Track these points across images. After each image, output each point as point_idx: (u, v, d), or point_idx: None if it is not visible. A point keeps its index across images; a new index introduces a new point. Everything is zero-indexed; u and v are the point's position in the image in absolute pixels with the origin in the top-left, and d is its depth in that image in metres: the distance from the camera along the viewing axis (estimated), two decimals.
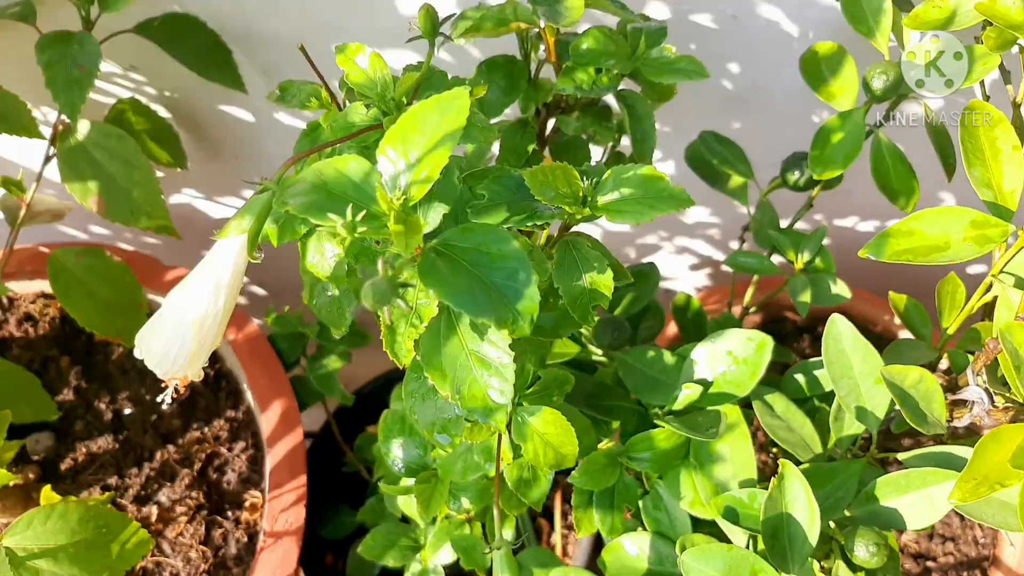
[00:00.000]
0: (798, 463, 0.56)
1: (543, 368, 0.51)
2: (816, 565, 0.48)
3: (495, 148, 0.57)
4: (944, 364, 0.60)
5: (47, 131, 0.65)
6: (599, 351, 0.63)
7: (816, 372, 0.59)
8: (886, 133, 0.60)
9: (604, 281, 0.43)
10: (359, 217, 0.30)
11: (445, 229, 0.36)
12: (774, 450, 0.68)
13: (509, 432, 0.46)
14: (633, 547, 0.55)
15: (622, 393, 0.59)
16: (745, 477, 0.56)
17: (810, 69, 0.59)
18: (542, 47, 0.54)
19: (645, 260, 0.97)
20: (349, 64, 0.39)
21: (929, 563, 0.72)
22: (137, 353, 0.39)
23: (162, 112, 0.72)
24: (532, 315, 0.33)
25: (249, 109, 0.74)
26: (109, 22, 0.61)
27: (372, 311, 0.27)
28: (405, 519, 0.69)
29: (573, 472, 0.54)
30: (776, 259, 0.66)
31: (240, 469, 0.75)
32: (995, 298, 0.51)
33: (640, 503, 0.58)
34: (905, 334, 0.84)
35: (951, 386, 0.57)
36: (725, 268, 0.97)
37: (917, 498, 0.51)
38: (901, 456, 0.53)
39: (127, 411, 0.77)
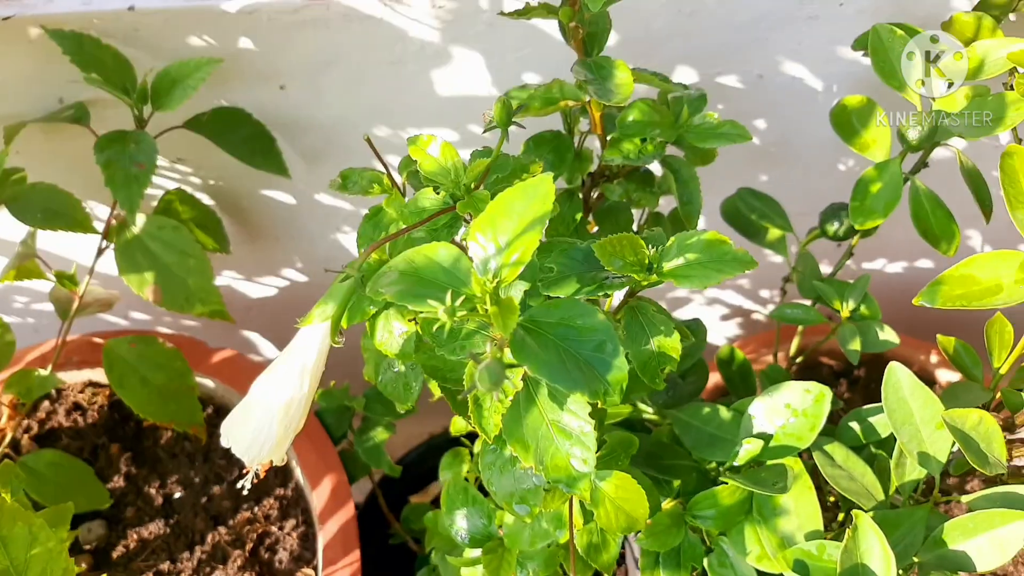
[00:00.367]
0: (861, 511, 0.56)
1: (604, 431, 0.51)
2: None
3: None
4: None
5: (98, 225, 0.67)
6: (650, 410, 0.63)
7: (871, 419, 0.60)
8: (921, 179, 0.62)
9: (672, 344, 0.44)
10: (459, 301, 0.31)
11: (525, 305, 0.37)
12: (831, 498, 0.68)
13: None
14: None
15: (680, 451, 0.59)
16: (811, 529, 0.56)
17: (841, 122, 0.61)
18: (583, 120, 0.55)
19: (675, 313, 0.98)
20: (421, 154, 0.41)
21: None
22: (224, 442, 0.40)
23: (206, 199, 0.74)
24: (622, 385, 0.33)
25: (290, 192, 0.76)
26: (160, 119, 0.63)
27: (485, 393, 0.28)
28: None
29: (639, 534, 0.54)
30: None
31: (292, 547, 0.75)
32: None
33: (705, 561, 0.57)
34: (943, 374, 0.84)
35: (1007, 425, 0.58)
36: (756, 317, 0.98)
37: (985, 540, 0.51)
38: (965, 499, 0.53)
39: (177, 495, 0.77)
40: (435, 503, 0.84)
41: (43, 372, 0.71)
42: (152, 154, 0.59)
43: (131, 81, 0.60)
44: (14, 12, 0.59)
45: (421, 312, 0.32)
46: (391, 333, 0.46)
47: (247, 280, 0.87)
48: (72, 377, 0.80)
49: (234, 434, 0.40)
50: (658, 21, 0.63)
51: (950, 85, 0.57)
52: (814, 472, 0.56)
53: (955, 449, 0.54)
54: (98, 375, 0.79)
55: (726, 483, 0.54)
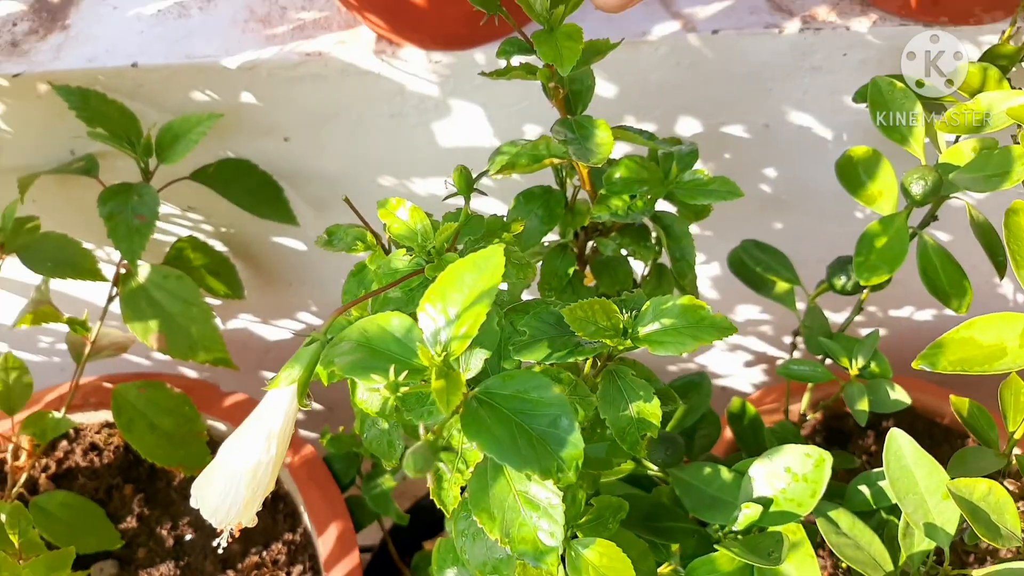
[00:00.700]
0: None
1: (596, 492, 0.50)
2: None
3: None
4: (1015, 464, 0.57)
5: (111, 268, 0.69)
6: (655, 467, 0.62)
7: (881, 483, 0.57)
8: (932, 229, 0.59)
9: (651, 410, 0.43)
10: (401, 376, 0.31)
11: (488, 373, 0.36)
12: (843, 565, 0.65)
13: (563, 565, 0.45)
14: None
15: (680, 513, 0.57)
16: None
17: (846, 174, 0.59)
18: (576, 174, 0.55)
19: (697, 359, 0.96)
20: (390, 217, 0.41)
21: None
22: (193, 503, 0.40)
23: (219, 246, 0.76)
24: (577, 462, 0.33)
25: (301, 239, 0.77)
26: (166, 171, 0.65)
27: (413, 476, 0.27)
28: None
29: None
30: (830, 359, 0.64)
31: None
32: None
33: None
34: None
35: (1023, 494, 0.55)
36: (781, 363, 0.96)
37: None
38: (976, 573, 0.50)
39: (188, 537, 0.78)
40: None
41: (57, 414, 0.72)
42: (154, 207, 0.60)
43: (136, 134, 0.62)
44: (23, 69, 0.61)
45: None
46: (372, 392, 0.45)
47: (264, 323, 0.89)
48: (90, 418, 0.81)
49: (202, 496, 0.40)
50: (656, 74, 0.62)
51: (956, 138, 0.55)
52: None
53: None
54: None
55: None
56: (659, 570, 0.55)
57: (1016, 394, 0.54)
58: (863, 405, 0.58)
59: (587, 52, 0.47)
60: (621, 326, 0.41)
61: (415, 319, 0.34)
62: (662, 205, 0.54)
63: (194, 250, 0.72)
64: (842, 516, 0.55)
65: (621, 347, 0.41)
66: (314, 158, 0.69)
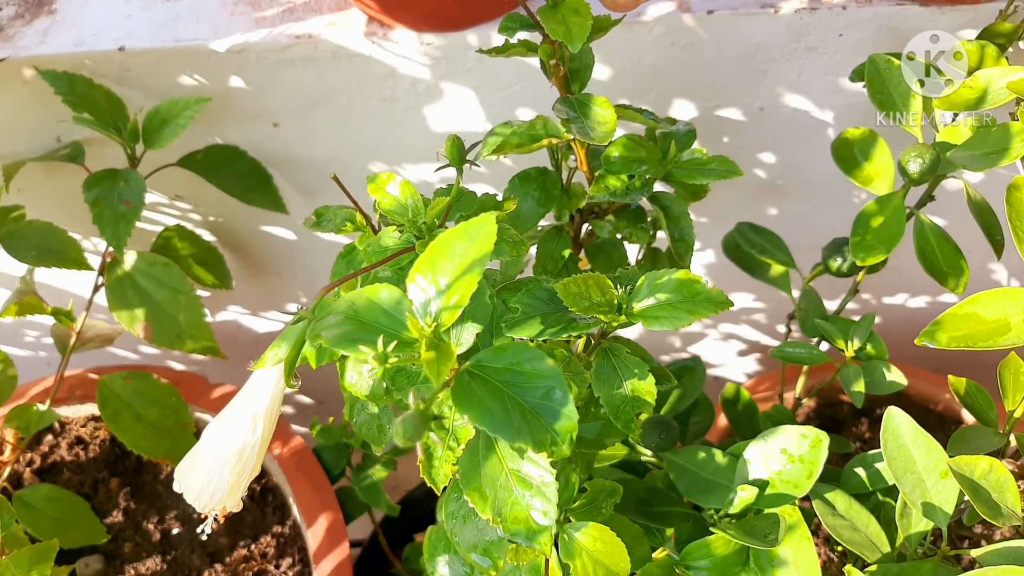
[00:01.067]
0: (865, 564, 0.53)
1: (590, 477, 0.49)
2: None
3: (532, 250, 0.57)
4: (1013, 444, 0.57)
5: (97, 259, 0.68)
6: (648, 452, 0.61)
7: (877, 465, 0.57)
8: (928, 212, 0.59)
9: (646, 388, 0.42)
10: (390, 347, 0.30)
11: (479, 348, 0.35)
12: (839, 548, 0.65)
13: (556, 550, 0.45)
14: None
15: (675, 497, 0.56)
16: None
17: (843, 155, 0.59)
18: (572, 156, 0.54)
19: (691, 348, 0.96)
20: (380, 192, 0.40)
21: None
22: (176, 487, 0.39)
23: (207, 236, 0.75)
24: (571, 435, 0.32)
25: (291, 228, 0.76)
26: (154, 157, 0.63)
27: (403, 445, 0.26)
28: None
29: None
30: (826, 344, 0.64)
31: None
32: None
33: None
34: (968, 413, 0.80)
35: (1023, 472, 0.54)
36: None
37: None
38: (974, 553, 0.50)
39: (175, 531, 0.77)
40: None
41: (42, 407, 0.71)
42: (140, 192, 0.59)
43: (123, 120, 0.61)
44: (8, 54, 0.60)
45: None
46: (360, 374, 0.45)
47: (253, 315, 0.87)
48: (75, 411, 0.80)
49: (186, 480, 0.39)
50: (651, 55, 0.61)
51: (954, 116, 0.55)
52: None
53: (966, 498, 0.51)
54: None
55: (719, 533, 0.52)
56: (654, 555, 0.54)
57: (1015, 373, 0.53)
58: (859, 387, 0.57)
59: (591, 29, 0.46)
60: (616, 301, 0.40)
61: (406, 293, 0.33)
62: (659, 187, 0.53)
63: (181, 239, 0.71)
64: (839, 498, 0.54)
65: (616, 323, 0.40)
66: (304, 144, 0.68)
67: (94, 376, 0.75)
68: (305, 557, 0.75)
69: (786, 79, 0.63)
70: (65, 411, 0.80)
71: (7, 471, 0.73)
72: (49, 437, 0.79)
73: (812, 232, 0.69)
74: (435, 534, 0.56)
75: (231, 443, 0.38)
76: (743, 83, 0.64)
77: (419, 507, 0.88)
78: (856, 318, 0.63)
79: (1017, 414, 0.54)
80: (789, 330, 0.69)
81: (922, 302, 0.88)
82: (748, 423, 0.68)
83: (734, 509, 0.53)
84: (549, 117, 0.51)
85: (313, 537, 0.73)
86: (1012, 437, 0.55)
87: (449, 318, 0.31)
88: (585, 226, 0.58)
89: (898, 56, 0.54)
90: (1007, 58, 0.54)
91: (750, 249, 0.64)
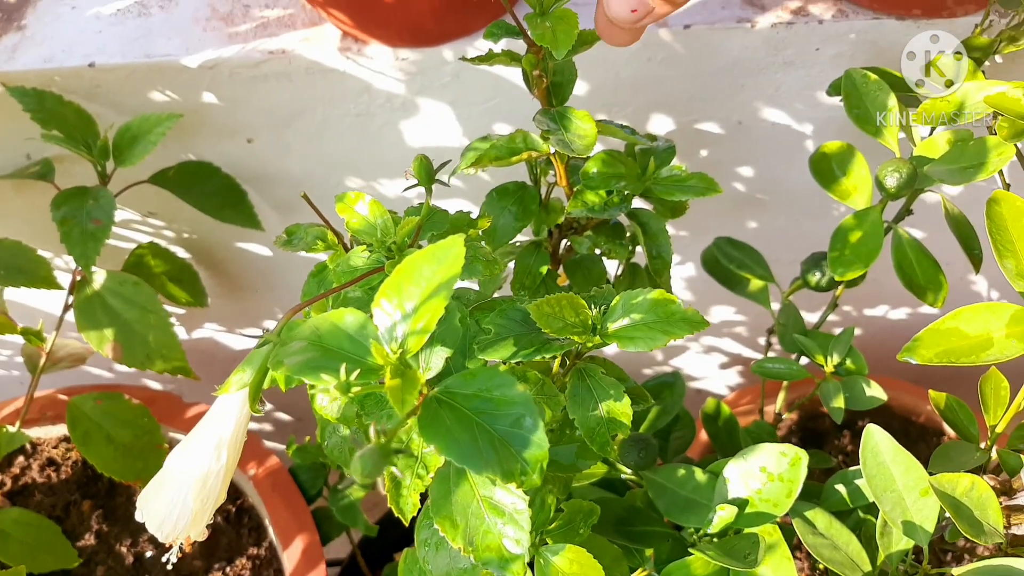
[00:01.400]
0: None
1: (569, 496, 0.49)
2: None
3: (511, 266, 0.57)
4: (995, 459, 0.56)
5: (68, 277, 0.66)
6: (628, 470, 0.60)
7: (858, 482, 0.56)
8: (906, 225, 0.59)
9: (622, 409, 0.41)
10: (354, 375, 0.29)
11: (452, 371, 0.34)
12: (820, 566, 0.64)
13: (533, 573, 0.44)
14: None
15: (654, 517, 0.56)
16: None
17: (821, 169, 0.58)
18: (551, 171, 0.54)
19: (673, 361, 0.95)
20: (349, 212, 0.39)
21: None
22: (139, 516, 0.38)
23: (181, 253, 0.74)
24: (541, 463, 0.31)
25: (267, 244, 0.75)
26: (125, 174, 0.62)
27: (361, 482, 0.25)
28: None
29: None
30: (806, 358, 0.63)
31: None
32: None
33: None
34: None
35: (1005, 488, 0.54)
36: None
37: None
38: (956, 572, 0.49)
39: (148, 553, 0.75)
40: None
41: (12, 429, 0.70)
42: (110, 210, 0.58)
43: (93, 137, 0.60)
44: None
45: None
46: (329, 397, 0.44)
47: (229, 332, 0.86)
48: (47, 432, 0.79)
49: (148, 509, 0.37)
50: (628, 69, 0.61)
51: (932, 130, 0.55)
52: None
53: (947, 516, 0.51)
54: None
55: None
56: None
57: (996, 388, 0.53)
58: (839, 402, 0.57)
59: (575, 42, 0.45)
60: (590, 322, 0.39)
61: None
62: (638, 203, 0.53)
63: (155, 256, 0.70)
64: (819, 516, 0.54)
65: (590, 344, 0.39)
66: (279, 160, 0.67)
67: (64, 397, 0.74)
68: None
69: (764, 93, 0.63)
70: (37, 432, 0.78)
71: None
72: (21, 459, 0.78)
73: (794, 244, 0.69)
74: (410, 558, 0.55)
75: (194, 471, 0.37)
76: (721, 97, 0.64)
77: (398, 526, 0.86)
78: (837, 330, 0.63)
79: (999, 429, 0.53)
80: (769, 344, 0.68)
81: (904, 313, 0.88)
82: (729, 439, 0.67)
83: (714, 528, 0.52)
84: (528, 131, 0.51)
85: (289, 559, 0.72)
86: (994, 452, 0.55)
87: (416, 343, 0.30)
88: (564, 242, 0.58)
89: (875, 70, 0.54)
90: (983, 71, 0.53)
91: (728, 264, 0.63)
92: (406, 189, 0.38)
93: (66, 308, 0.66)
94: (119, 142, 0.60)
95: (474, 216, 0.47)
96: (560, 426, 0.43)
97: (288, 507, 0.74)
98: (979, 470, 0.56)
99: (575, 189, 0.53)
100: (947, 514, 0.50)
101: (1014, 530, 0.51)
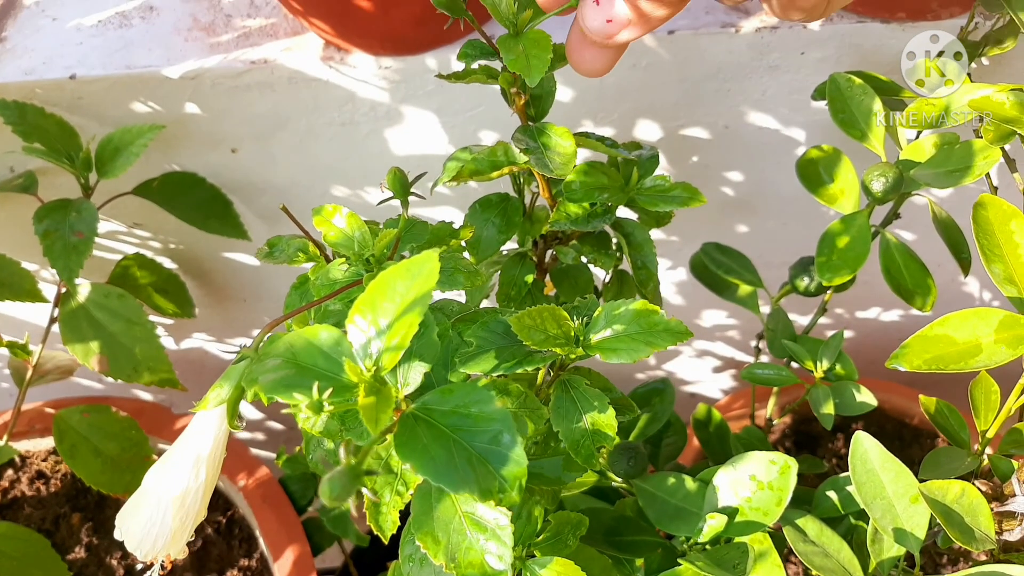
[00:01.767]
0: None
1: (561, 505, 0.48)
2: None
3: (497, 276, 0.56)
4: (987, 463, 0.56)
5: (53, 290, 0.66)
6: (619, 479, 0.60)
7: (849, 488, 0.56)
8: (895, 228, 0.58)
9: (607, 421, 0.41)
10: (327, 394, 0.29)
11: (433, 385, 0.34)
12: (812, 573, 0.64)
13: None
14: None
15: (645, 526, 0.55)
16: None
17: (807, 173, 0.58)
18: (535, 181, 0.53)
19: (665, 366, 0.95)
20: (326, 225, 0.39)
21: None
22: (117, 535, 0.38)
23: (168, 263, 0.73)
24: (520, 481, 0.30)
25: (253, 254, 0.75)
26: (109, 186, 0.62)
27: (330, 505, 0.25)
28: None
29: None
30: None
31: None
32: None
33: None
34: None
35: (996, 494, 0.54)
36: None
37: None
38: None
39: (139, 566, 0.75)
40: None
41: None
42: (93, 223, 0.57)
43: (76, 149, 0.59)
44: None
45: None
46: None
47: (218, 342, 0.86)
48: (35, 445, 0.78)
49: (127, 527, 0.37)
50: (613, 76, 0.60)
51: (918, 134, 0.54)
52: None
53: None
54: None
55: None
56: None
57: (986, 392, 0.52)
58: (828, 408, 0.56)
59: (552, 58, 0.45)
60: (572, 333, 0.39)
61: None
62: (623, 212, 0.52)
63: (141, 268, 0.69)
64: (809, 523, 0.53)
65: (573, 356, 0.39)
66: (264, 169, 0.67)
67: (51, 410, 0.74)
68: None
69: (750, 98, 0.63)
70: (26, 445, 0.78)
71: None
72: (10, 472, 0.77)
73: (784, 248, 0.69)
74: (395, 572, 0.55)
75: (173, 489, 0.36)
76: (707, 102, 0.63)
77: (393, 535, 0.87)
78: (829, 333, 0.62)
79: (990, 434, 0.53)
80: (759, 350, 0.68)
81: (896, 315, 0.88)
82: (720, 445, 0.67)
83: (704, 538, 0.52)
84: (510, 143, 0.50)
85: (280, 570, 0.72)
86: (986, 457, 0.55)
87: (391, 360, 0.30)
88: (550, 251, 0.57)
89: (860, 74, 0.53)
90: (969, 75, 0.53)
91: (717, 269, 0.63)
92: (380, 203, 0.38)
93: (52, 321, 0.65)
94: (101, 154, 0.60)
95: (459, 225, 0.47)
96: (544, 439, 0.43)
97: (279, 518, 0.73)
98: (970, 475, 0.56)
99: (558, 201, 0.52)
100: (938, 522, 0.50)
101: (1006, 536, 0.50)
